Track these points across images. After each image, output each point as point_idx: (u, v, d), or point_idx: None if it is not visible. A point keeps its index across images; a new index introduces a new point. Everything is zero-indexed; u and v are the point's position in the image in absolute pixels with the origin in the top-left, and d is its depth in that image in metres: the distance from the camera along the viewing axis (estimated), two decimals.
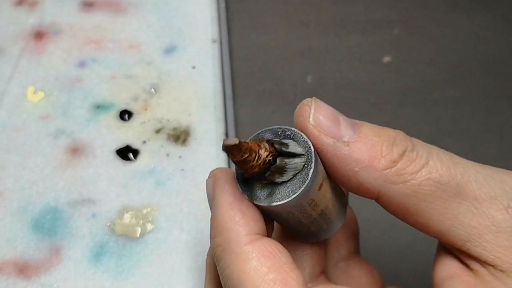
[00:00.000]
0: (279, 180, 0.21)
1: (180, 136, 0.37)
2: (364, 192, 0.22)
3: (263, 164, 0.20)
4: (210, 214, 0.23)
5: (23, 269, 0.32)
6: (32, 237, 0.33)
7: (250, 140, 0.22)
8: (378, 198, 0.22)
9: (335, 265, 0.26)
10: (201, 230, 0.33)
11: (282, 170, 0.21)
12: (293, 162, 0.21)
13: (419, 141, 0.22)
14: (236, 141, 0.19)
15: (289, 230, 0.26)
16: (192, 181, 0.35)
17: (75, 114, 0.38)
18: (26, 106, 0.39)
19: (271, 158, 0.20)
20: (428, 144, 0.22)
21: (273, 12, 0.47)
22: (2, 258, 0.32)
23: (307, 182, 0.21)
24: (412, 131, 0.42)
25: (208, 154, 0.36)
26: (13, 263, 0.32)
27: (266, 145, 0.20)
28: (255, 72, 0.43)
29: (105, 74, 0.41)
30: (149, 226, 0.33)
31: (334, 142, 0.21)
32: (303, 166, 0.21)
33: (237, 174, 0.22)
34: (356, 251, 0.27)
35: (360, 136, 0.21)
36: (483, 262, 0.21)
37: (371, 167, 0.21)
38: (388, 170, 0.21)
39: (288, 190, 0.21)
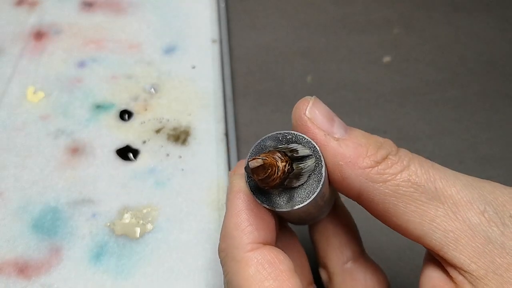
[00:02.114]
0: (296, 184, 0.22)
1: (180, 136, 0.37)
2: (346, 187, 0.22)
3: (283, 175, 0.21)
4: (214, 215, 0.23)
5: (23, 269, 0.32)
6: (32, 237, 0.33)
7: (253, 149, 0.22)
8: (358, 197, 0.23)
9: (340, 267, 0.26)
10: (201, 230, 0.33)
11: (299, 175, 0.21)
12: (307, 165, 0.22)
13: (405, 149, 0.23)
14: (261, 162, 0.20)
15: (292, 221, 0.27)
16: (192, 181, 0.35)
17: (75, 114, 0.38)
18: (26, 106, 0.39)
19: (289, 167, 0.21)
20: (413, 154, 0.23)
21: (273, 12, 0.47)
22: (2, 258, 0.32)
23: (322, 180, 0.22)
24: (412, 131, 0.42)
25: (208, 154, 0.36)
26: (13, 263, 0.32)
27: (280, 155, 0.21)
28: (255, 72, 0.43)
29: (105, 74, 0.41)
30: (149, 226, 0.33)
31: (324, 134, 0.22)
32: (315, 166, 0.22)
33: (250, 186, 0.22)
34: (360, 251, 0.27)
35: (350, 136, 0.22)
36: (459, 269, 0.21)
37: (355, 164, 0.22)
38: (370, 169, 0.22)
39: (306, 191, 0.22)
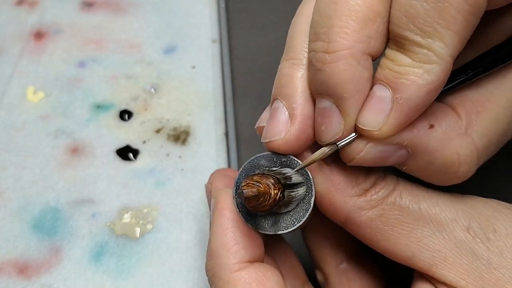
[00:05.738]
0: (284, 211, 0.22)
1: (180, 136, 0.37)
2: (333, 212, 0.23)
3: (273, 202, 0.21)
4: (210, 215, 0.24)
5: (23, 269, 0.32)
6: (32, 237, 0.33)
7: (245, 166, 0.22)
8: (345, 222, 0.23)
9: (335, 268, 0.26)
10: (201, 230, 0.33)
11: (289, 203, 0.22)
12: (298, 193, 0.22)
13: (391, 174, 0.23)
14: (256, 192, 0.20)
15: (271, 238, 0.27)
16: (192, 181, 0.35)
17: (75, 114, 0.38)
18: (26, 106, 0.39)
19: (280, 195, 0.21)
20: (399, 177, 0.23)
21: (273, 12, 0.47)
22: (2, 258, 0.32)
23: (310, 210, 0.22)
24: None
25: (208, 154, 0.36)
26: (13, 263, 0.32)
27: (273, 181, 0.21)
28: (255, 72, 0.43)
29: (105, 74, 0.41)
30: (149, 226, 0.33)
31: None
32: (305, 194, 0.22)
33: (237, 203, 0.22)
34: (355, 251, 0.27)
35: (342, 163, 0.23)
36: (449, 286, 0.22)
37: (344, 191, 0.22)
38: (358, 197, 0.22)
39: (292, 218, 0.22)
